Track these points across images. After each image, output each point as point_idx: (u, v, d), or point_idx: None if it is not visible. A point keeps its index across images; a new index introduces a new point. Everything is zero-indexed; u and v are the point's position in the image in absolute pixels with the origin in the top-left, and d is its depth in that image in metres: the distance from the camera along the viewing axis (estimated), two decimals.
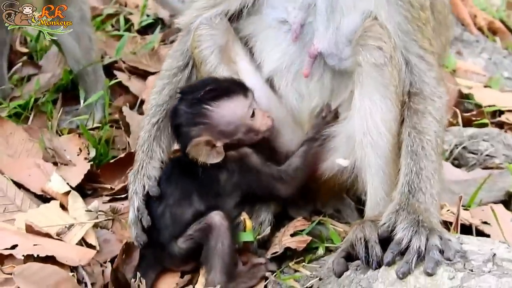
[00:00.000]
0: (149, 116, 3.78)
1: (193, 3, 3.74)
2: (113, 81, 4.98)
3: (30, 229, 3.55)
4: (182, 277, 3.50)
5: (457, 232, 3.55)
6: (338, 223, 3.78)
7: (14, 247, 3.40)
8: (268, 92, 3.64)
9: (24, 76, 5.05)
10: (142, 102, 4.84)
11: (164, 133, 3.75)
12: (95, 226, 3.78)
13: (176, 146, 3.76)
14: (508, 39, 7.30)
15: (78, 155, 4.30)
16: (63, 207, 3.87)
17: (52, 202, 3.87)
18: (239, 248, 3.56)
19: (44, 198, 3.98)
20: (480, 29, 7.23)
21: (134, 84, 5.04)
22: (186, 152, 3.44)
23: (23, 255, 3.34)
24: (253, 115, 3.47)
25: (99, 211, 3.86)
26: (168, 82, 3.77)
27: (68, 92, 5.00)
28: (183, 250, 3.44)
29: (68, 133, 4.56)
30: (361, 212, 3.79)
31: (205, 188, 3.47)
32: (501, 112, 5.48)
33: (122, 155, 4.28)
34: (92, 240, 3.66)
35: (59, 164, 4.23)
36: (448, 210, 3.83)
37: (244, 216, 3.61)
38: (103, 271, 3.53)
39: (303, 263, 3.50)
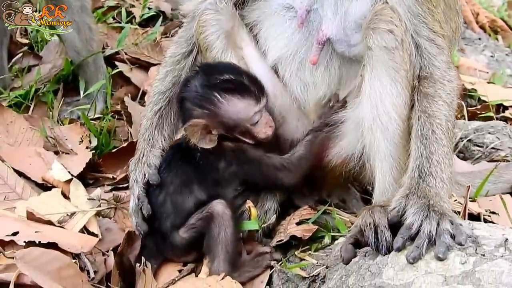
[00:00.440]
0: (152, 103, 3.75)
1: None
2: (115, 71, 4.93)
3: (31, 216, 3.51)
4: (185, 265, 3.46)
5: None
6: (344, 213, 3.73)
7: (15, 234, 3.35)
8: (274, 79, 3.59)
9: (24, 67, 5.01)
10: (144, 93, 4.81)
11: (167, 121, 3.71)
12: (97, 214, 3.75)
13: (178, 135, 3.71)
14: (510, 38, 7.31)
15: (79, 144, 4.27)
16: (65, 195, 3.84)
17: (54, 190, 3.84)
18: (244, 237, 3.52)
19: (45, 187, 3.95)
20: (482, 27, 7.22)
21: (136, 75, 5.02)
22: (184, 133, 3.41)
23: (24, 242, 3.29)
24: (256, 121, 3.42)
25: (101, 199, 3.81)
26: (171, 69, 3.74)
27: (69, 83, 4.99)
28: (185, 240, 3.39)
29: (69, 123, 4.52)
30: (366, 203, 3.76)
31: (204, 176, 3.43)
32: (505, 108, 5.44)
33: (124, 144, 4.25)
34: (94, 228, 3.62)
35: (60, 153, 4.19)
36: (456, 200, 3.78)
37: (249, 204, 3.57)
38: (105, 259, 3.49)
39: (309, 252, 3.45)
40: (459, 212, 3.51)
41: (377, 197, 3.35)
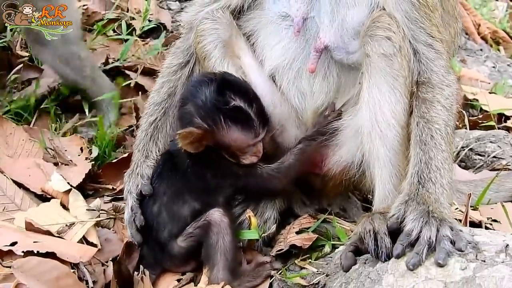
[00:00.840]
0: (147, 115, 3.74)
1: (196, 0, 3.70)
2: (126, 82, 4.97)
3: (30, 227, 3.49)
4: (183, 275, 3.44)
5: None
6: (344, 221, 3.71)
7: (13, 244, 3.33)
8: (272, 88, 3.57)
9: (24, 80, 5.01)
10: None
11: (162, 132, 3.70)
12: (97, 225, 3.73)
13: None
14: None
15: (79, 155, 4.26)
16: (64, 206, 3.82)
17: (53, 200, 3.82)
18: (244, 246, 3.51)
19: (44, 198, 3.93)
20: (483, 38, 7.21)
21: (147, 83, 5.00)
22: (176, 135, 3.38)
23: (22, 252, 3.27)
24: (247, 151, 3.42)
25: (101, 209, 3.79)
26: (167, 80, 3.73)
27: (70, 96, 4.96)
28: (183, 249, 3.38)
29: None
30: (367, 211, 3.71)
31: (192, 185, 3.41)
32: (507, 118, 5.43)
33: (125, 155, 4.23)
34: (93, 238, 3.60)
35: (59, 164, 4.18)
36: (457, 209, 3.76)
37: (249, 213, 3.55)
38: (104, 270, 3.47)
39: (309, 260, 3.43)
40: (460, 220, 3.50)
41: (377, 204, 3.33)
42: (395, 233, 2.98)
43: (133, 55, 5.29)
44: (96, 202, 3.83)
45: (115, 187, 4.12)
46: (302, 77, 3.49)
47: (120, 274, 3.32)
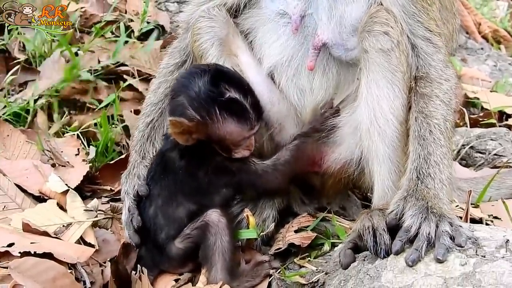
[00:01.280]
0: (144, 115, 3.74)
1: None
2: (125, 84, 4.93)
3: (27, 228, 3.47)
4: (181, 275, 3.41)
5: None
6: (344, 220, 3.69)
7: (10, 245, 3.31)
8: (270, 86, 3.56)
9: (22, 82, 4.98)
10: None
11: (159, 133, 3.69)
12: (94, 225, 3.71)
13: None
14: None
15: (76, 155, 4.24)
16: (61, 207, 3.80)
17: (49, 201, 3.80)
18: (242, 246, 3.48)
19: (42, 199, 3.91)
20: (484, 37, 7.19)
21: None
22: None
23: (19, 252, 3.25)
24: (241, 144, 3.39)
25: (98, 210, 3.77)
26: (164, 80, 3.72)
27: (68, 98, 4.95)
28: (181, 251, 3.35)
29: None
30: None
31: (185, 186, 3.37)
32: (508, 116, 5.41)
33: (122, 156, 4.21)
34: (91, 239, 3.58)
35: (56, 166, 4.15)
36: (457, 206, 3.74)
37: (247, 212, 3.52)
38: (102, 270, 3.45)
39: (309, 259, 3.41)
40: (461, 218, 3.47)
41: (376, 201, 3.31)
42: (394, 229, 2.96)
43: (131, 56, 5.26)
44: (94, 202, 3.81)
45: (113, 188, 4.10)
46: (301, 74, 3.47)
47: (118, 274, 3.30)
